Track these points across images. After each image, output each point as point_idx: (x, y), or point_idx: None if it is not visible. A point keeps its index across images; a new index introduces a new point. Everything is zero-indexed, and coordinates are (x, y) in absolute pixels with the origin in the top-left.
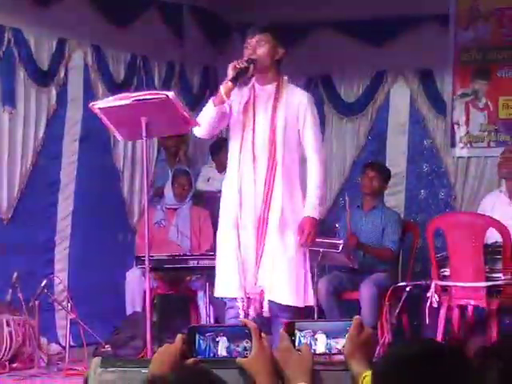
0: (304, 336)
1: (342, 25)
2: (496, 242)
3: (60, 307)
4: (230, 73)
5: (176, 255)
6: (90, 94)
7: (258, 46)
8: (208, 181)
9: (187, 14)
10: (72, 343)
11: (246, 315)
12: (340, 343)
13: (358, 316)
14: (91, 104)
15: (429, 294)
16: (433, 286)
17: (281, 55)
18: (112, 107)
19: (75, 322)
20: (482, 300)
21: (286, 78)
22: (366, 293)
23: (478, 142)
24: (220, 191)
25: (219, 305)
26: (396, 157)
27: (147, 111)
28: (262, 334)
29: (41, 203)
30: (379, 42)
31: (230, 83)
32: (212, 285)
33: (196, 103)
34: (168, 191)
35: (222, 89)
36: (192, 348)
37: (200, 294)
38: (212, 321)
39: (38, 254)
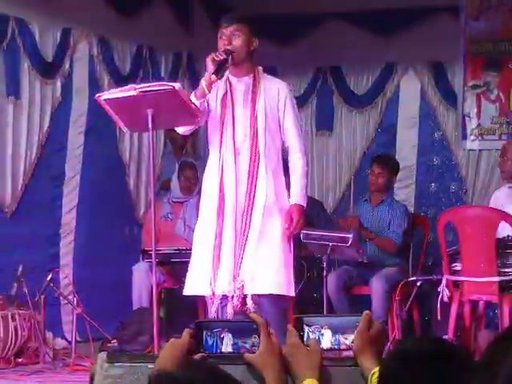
0: (313, 331)
1: (352, 15)
2: (508, 236)
3: (66, 302)
4: (210, 66)
5: (183, 249)
6: (95, 86)
7: (233, 37)
8: None
9: (195, 3)
10: (78, 338)
11: (221, 314)
12: (349, 339)
13: (367, 311)
14: (97, 95)
15: (440, 289)
16: (444, 280)
17: (255, 46)
18: (118, 99)
19: (81, 316)
20: (494, 295)
21: (260, 68)
22: (376, 287)
23: (490, 135)
24: None
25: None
26: (406, 149)
27: (153, 103)
28: (271, 330)
29: (45, 196)
30: (390, 33)
31: (213, 76)
32: None
33: None
34: (174, 184)
35: (204, 82)
36: (199, 343)
37: None
38: (219, 316)
39: (42, 248)
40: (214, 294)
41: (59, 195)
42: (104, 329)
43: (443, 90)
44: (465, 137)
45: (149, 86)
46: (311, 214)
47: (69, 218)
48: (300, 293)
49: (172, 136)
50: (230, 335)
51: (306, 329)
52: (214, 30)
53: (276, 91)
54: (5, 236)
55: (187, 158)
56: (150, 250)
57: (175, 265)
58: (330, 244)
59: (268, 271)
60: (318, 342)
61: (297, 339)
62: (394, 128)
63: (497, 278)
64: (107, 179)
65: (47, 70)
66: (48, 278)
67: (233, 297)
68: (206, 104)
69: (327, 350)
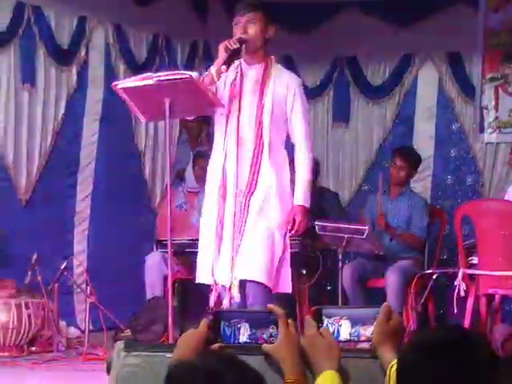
0: (332, 323)
1: (369, 5)
2: None
3: (79, 290)
4: (223, 54)
5: (197, 239)
6: (110, 74)
7: (248, 25)
8: None
9: None
10: (91, 327)
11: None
12: (369, 330)
13: (386, 303)
14: (113, 84)
15: (456, 283)
16: (460, 274)
17: (271, 34)
18: (135, 87)
19: (94, 305)
20: (510, 289)
21: (273, 57)
22: (391, 280)
23: (508, 128)
24: None
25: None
26: (423, 141)
27: (170, 92)
28: (289, 321)
29: (60, 184)
30: (407, 23)
31: (224, 67)
32: None
33: None
34: (189, 174)
35: (213, 69)
36: (217, 334)
37: None
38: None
39: (56, 236)
40: (215, 283)
41: (74, 183)
42: (117, 318)
43: (461, 82)
44: (482, 129)
45: (166, 75)
46: (325, 204)
47: (83, 206)
48: (315, 285)
49: (187, 125)
50: (247, 325)
51: (326, 320)
52: (229, 17)
53: (285, 84)
54: (19, 224)
55: (202, 147)
56: (165, 240)
57: (189, 255)
58: (346, 236)
59: (254, 259)
60: (337, 333)
61: (315, 330)
62: (411, 120)
63: None
64: (122, 167)
65: (63, 57)
66: (62, 267)
67: (230, 288)
68: (215, 90)
69: (345, 341)
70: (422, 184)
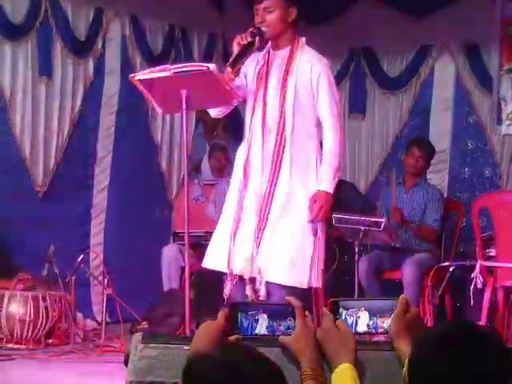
0: (350, 314)
1: None
2: None
3: (96, 282)
4: (235, 49)
5: (213, 231)
6: (127, 66)
7: (265, 13)
8: None
9: None
10: (107, 319)
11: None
12: (386, 322)
13: (404, 295)
14: (130, 76)
15: (473, 275)
16: (478, 266)
17: (294, 16)
18: (152, 79)
19: (111, 297)
20: None
21: (303, 39)
22: (408, 273)
23: None
24: None
25: None
26: (440, 133)
27: (187, 84)
28: (306, 313)
29: (77, 176)
30: (424, 14)
31: (229, 68)
32: None
33: None
34: (205, 166)
35: (229, 68)
36: (234, 325)
37: None
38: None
39: (73, 228)
40: (231, 272)
41: (91, 175)
42: (133, 310)
43: (478, 73)
44: (500, 122)
45: (183, 67)
46: (343, 196)
47: (100, 198)
48: (331, 277)
49: (203, 117)
50: (265, 317)
51: (344, 312)
52: (246, 7)
53: (309, 67)
54: (36, 216)
55: (218, 139)
56: (181, 233)
57: (206, 247)
58: (362, 228)
59: (281, 261)
60: (355, 324)
61: (332, 323)
62: (428, 112)
63: None
64: (139, 159)
65: (79, 49)
66: (79, 259)
67: (251, 279)
68: (244, 78)
69: (362, 333)
70: (438, 176)
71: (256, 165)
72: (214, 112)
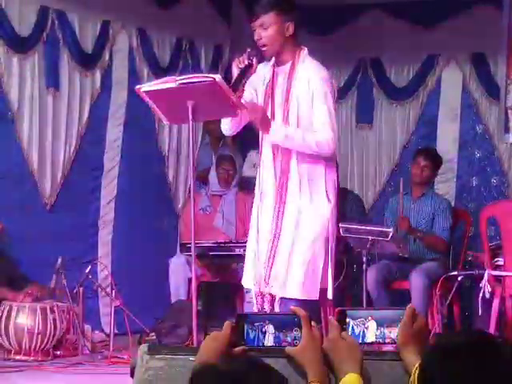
0: (357, 324)
1: (392, 6)
2: None
3: (104, 294)
4: (235, 72)
5: (221, 242)
6: (134, 78)
7: (261, 31)
8: (254, 167)
9: None
10: (115, 331)
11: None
12: (393, 332)
13: (411, 305)
14: (137, 87)
15: (481, 285)
16: (486, 275)
17: (291, 30)
18: (158, 90)
19: (119, 309)
20: None
21: (304, 51)
22: (416, 282)
23: None
24: None
25: None
26: (447, 143)
27: (194, 95)
28: (312, 323)
29: (84, 188)
30: (431, 24)
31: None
32: None
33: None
34: (212, 177)
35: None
36: (240, 336)
37: None
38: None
39: (81, 240)
40: (260, 291)
41: (98, 187)
42: (141, 321)
43: (485, 83)
44: (507, 130)
45: (189, 78)
46: (346, 206)
47: (107, 210)
48: (339, 287)
49: (210, 127)
50: (271, 328)
51: (351, 322)
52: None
53: (306, 81)
54: (44, 228)
55: (225, 150)
56: (188, 244)
57: (213, 258)
58: (370, 238)
59: (293, 275)
60: (363, 334)
61: (338, 333)
62: (435, 121)
63: None
64: (146, 171)
65: (87, 61)
66: (87, 270)
67: (268, 296)
68: (254, 92)
69: (370, 343)
70: (446, 185)
71: (269, 180)
72: (226, 130)
